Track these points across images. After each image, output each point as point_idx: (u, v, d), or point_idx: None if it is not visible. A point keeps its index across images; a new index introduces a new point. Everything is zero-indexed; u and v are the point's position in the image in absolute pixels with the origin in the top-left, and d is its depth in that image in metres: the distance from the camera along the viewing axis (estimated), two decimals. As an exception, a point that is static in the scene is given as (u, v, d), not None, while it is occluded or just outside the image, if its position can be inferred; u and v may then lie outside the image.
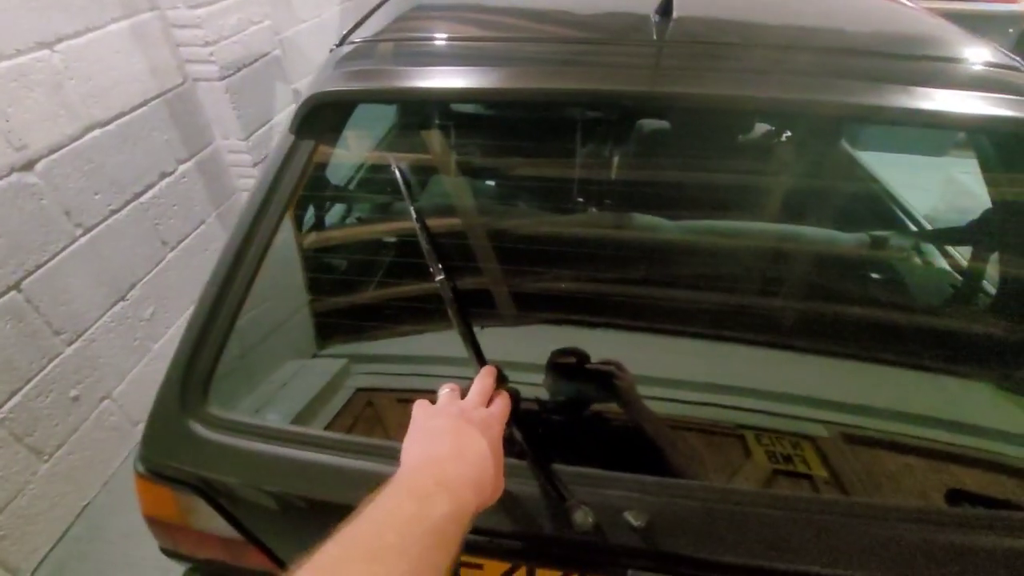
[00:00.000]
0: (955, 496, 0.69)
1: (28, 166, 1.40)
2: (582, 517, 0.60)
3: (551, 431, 0.74)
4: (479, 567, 0.71)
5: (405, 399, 0.85)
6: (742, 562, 0.60)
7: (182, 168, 1.94)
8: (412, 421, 0.55)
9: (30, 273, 1.42)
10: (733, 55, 0.80)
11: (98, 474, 1.68)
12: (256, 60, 2.10)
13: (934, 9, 3.29)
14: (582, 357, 0.75)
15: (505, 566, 0.69)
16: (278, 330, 0.82)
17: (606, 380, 0.74)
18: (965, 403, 0.80)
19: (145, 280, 1.80)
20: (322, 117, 0.79)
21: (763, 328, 0.85)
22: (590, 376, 0.74)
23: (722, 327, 0.84)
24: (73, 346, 1.55)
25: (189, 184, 1.97)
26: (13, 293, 1.38)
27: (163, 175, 1.86)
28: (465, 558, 0.71)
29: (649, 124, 1.24)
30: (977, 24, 3.13)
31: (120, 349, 1.72)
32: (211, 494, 0.71)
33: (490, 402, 0.60)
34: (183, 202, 1.95)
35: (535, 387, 0.75)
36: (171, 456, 0.70)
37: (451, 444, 0.50)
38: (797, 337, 0.82)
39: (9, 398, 1.38)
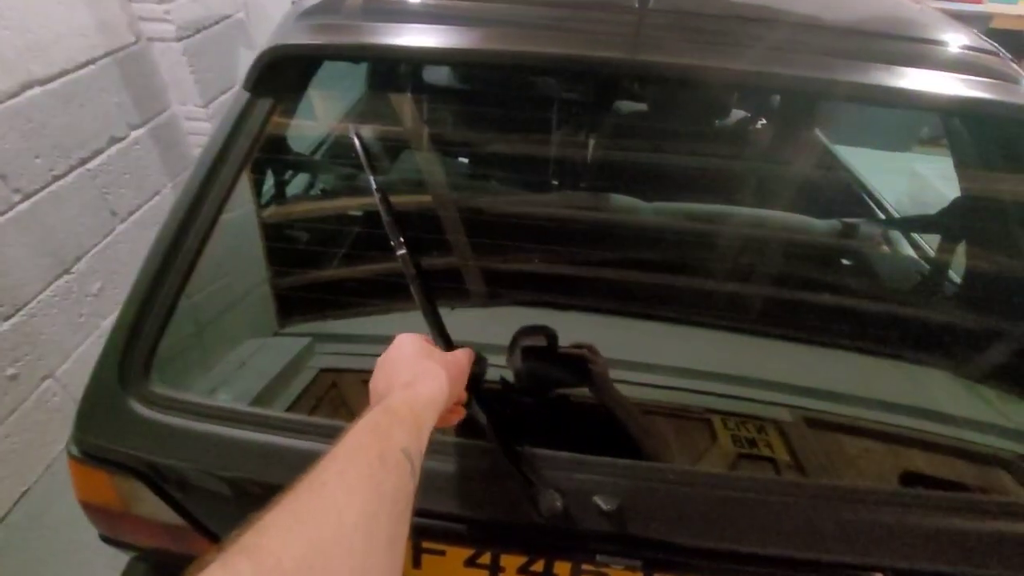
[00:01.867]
0: (910, 479, 0.70)
1: (-45, 123, 1.28)
2: (550, 501, 0.58)
3: (519, 414, 0.71)
4: (441, 553, 0.68)
5: (367, 379, 0.81)
6: (711, 546, 0.59)
7: (135, 134, 1.81)
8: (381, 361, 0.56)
9: (-41, 241, 1.31)
10: (712, 27, 0.77)
11: (39, 458, 1.58)
12: (217, 22, 1.97)
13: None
14: (552, 338, 0.72)
15: (468, 552, 0.66)
16: (229, 305, 0.76)
17: (578, 363, 0.71)
18: (925, 388, 0.81)
19: (92, 252, 1.69)
20: (281, 73, 0.73)
21: (730, 311, 0.85)
22: (561, 359, 0.72)
23: (690, 310, 0.83)
24: (10, 321, 1.44)
25: (142, 152, 1.85)
26: (-60, 262, 1.27)
27: (113, 140, 1.73)
28: (427, 544, 0.68)
29: (626, 103, 1.22)
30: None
31: (64, 325, 1.61)
32: (153, 478, 0.66)
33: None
34: (135, 171, 1.83)
35: (503, 369, 0.72)
36: (109, 437, 0.65)
37: (408, 371, 0.51)
38: (763, 321, 0.81)
39: (-64, 376, 1.28)
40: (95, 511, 0.72)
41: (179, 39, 1.81)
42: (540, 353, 0.72)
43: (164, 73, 1.88)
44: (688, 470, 0.63)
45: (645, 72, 0.77)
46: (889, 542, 0.59)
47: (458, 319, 0.74)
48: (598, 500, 0.59)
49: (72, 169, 1.59)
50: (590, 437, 0.69)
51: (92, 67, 1.63)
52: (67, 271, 1.61)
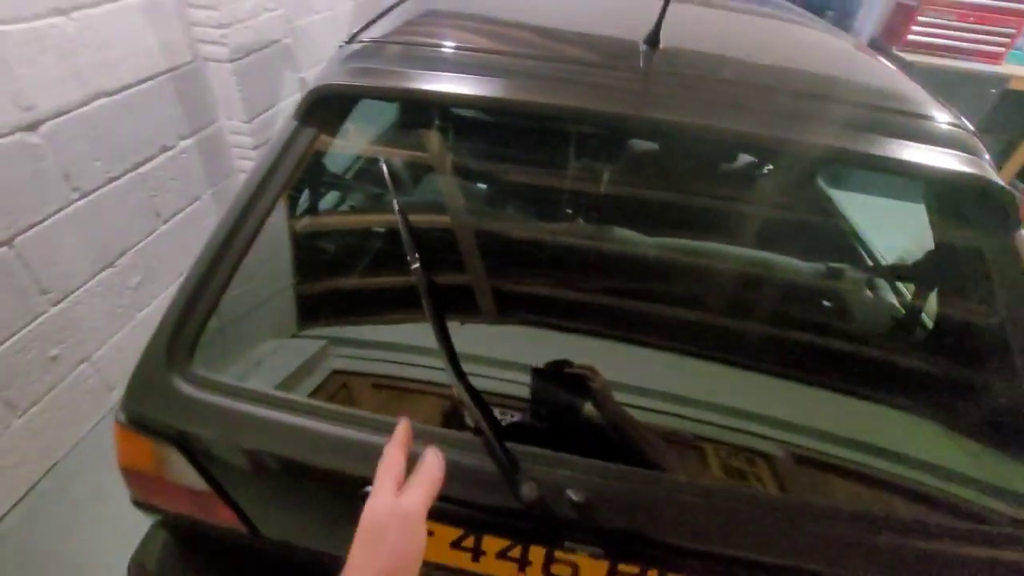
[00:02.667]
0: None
1: (33, 127, 1.44)
2: (528, 489, 0.66)
3: (513, 420, 0.80)
4: (430, 534, 0.76)
5: (379, 384, 0.90)
6: (668, 540, 0.67)
7: (183, 144, 1.98)
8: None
9: (23, 231, 1.45)
10: (708, 87, 0.87)
11: (70, 435, 1.70)
12: (266, 46, 2.15)
13: (922, 64, 3.43)
14: (561, 364, 0.80)
15: (455, 533, 0.75)
16: (265, 305, 0.87)
17: (582, 384, 0.79)
18: (882, 425, 0.88)
19: (135, 249, 1.84)
20: (325, 108, 0.85)
21: (713, 341, 0.93)
22: (567, 381, 0.79)
23: (675, 336, 0.91)
24: (58, 306, 1.58)
25: (189, 160, 2.01)
26: (5, 249, 1.41)
27: (164, 149, 1.90)
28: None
29: (630, 145, 1.32)
30: (961, 82, 3.29)
31: (104, 314, 1.75)
32: (187, 447, 0.76)
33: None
34: (181, 177, 1.99)
35: (503, 382, 0.81)
36: (153, 408, 0.75)
37: (387, 555, 0.48)
38: (740, 351, 0.89)
39: (-10, 351, 1.41)
40: (133, 474, 0.82)
41: (231, 60, 1.98)
42: (551, 377, 0.80)
43: (215, 90, 2.05)
44: (650, 474, 0.71)
45: (643, 126, 0.87)
46: (830, 555, 0.66)
47: (463, 332, 0.83)
48: (570, 493, 0.68)
49: (126, 172, 1.75)
50: (579, 442, 0.77)
51: (152, 82, 1.80)
52: (111, 265, 1.75)
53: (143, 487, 0.84)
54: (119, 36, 1.65)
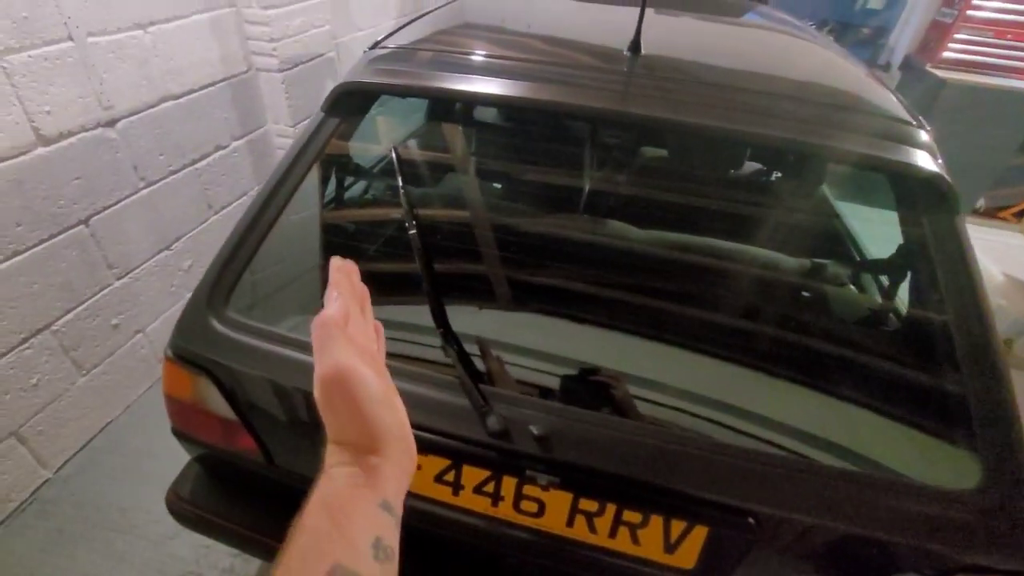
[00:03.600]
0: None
1: (111, 123, 1.67)
2: (495, 421, 0.77)
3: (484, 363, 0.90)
4: (417, 467, 0.88)
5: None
6: (615, 471, 0.76)
7: (235, 144, 2.21)
8: None
9: (97, 212, 1.67)
10: (683, 88, 0.98)
11: (123, 397, 1.91)
12: (313, 59, 2.37)
13: (957, 81, 3.38)
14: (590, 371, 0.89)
15: (440, 464, 0.86)
16: (291, 264, 1.02)
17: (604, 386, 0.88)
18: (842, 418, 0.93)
19: (189, 235, 2.06)
20: (348, 101, 1.01)
21: (703, 333, 1.00)
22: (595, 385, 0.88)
23: (666, 330, 1.00)
24: (121, 281, 1.80)
25: (239, 159, 2.24)
26: (81, 227, 1.63)
27: (218, 147, 2.12)
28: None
29: (622, 142, 1.43)
30: (1001, 100, 3.23)
31: (158, 291, 1.97)
32: (219, 379, 0.90)
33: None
34: (231, 173, 2.21)
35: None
36: (194, 343, 0.90)
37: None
38: (731, 344, 0.97)
39: (64, 315, 1.63)
40: (174, 402, 0.98)
41: (280, 71, 2.21)
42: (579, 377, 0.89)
43: (265, 97, 2.28)
44: (603, 416, 0.81)
45: (625, 120, 0.97)
46: (758, 491, 0.74)
47: (465, 314, 0.95)
48: (532, 428, 0.78)
49: (184, 167, 1.98)
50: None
51: (212, 88, 2.03)
52: (167, 248, 1.98)
53: (181, 415, 0.99)
54: (187, 47, 1.89)
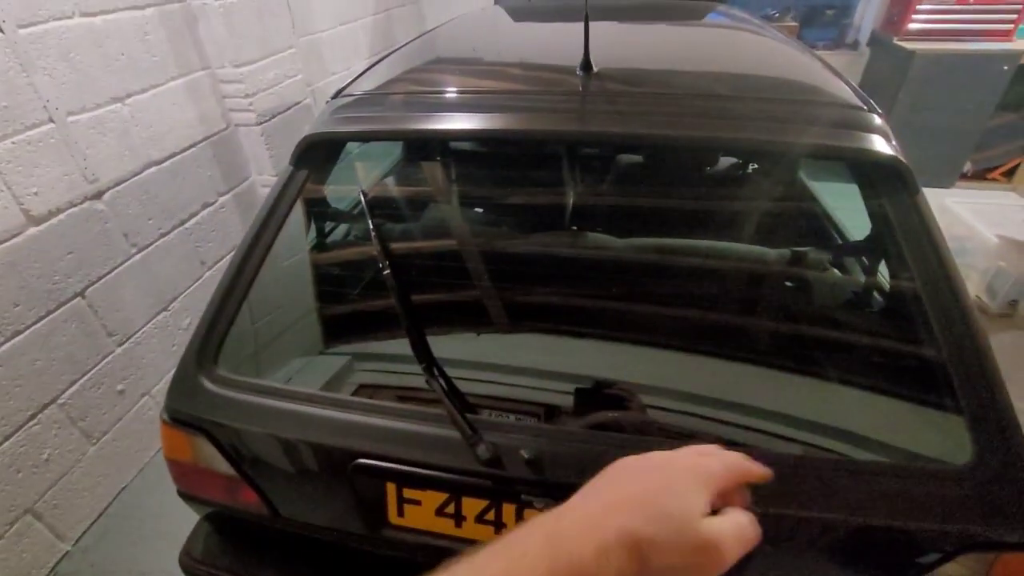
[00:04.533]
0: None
1: (97, 196, 1.72)
2: (484, 450, 0.78)
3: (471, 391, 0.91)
4: (418, 503, 0.89)
5: (373, 386, 1.04)
6: None
7: (222, 199, 2.26)
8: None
9: (92, 283, 1.71)
10: (636, 101, 1.00)
11: (135, 461, 1.93)
12: (289, 108, 2.43)
13: (927, 51, 3.42)
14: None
15: (439, 499, 0.86)
16: (275, 318, 1.04)
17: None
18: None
19: (185, 294, 2.09)
20: (315, 152, 1.04)
21: (684, 333, 1.02)
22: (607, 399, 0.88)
23: (642, 331, 1.01)
24: (123, 347, 1.83)
25: (227, 213, 2.29)
26: (78, 299, 1.67)
27: (205, 205, 2.17)
28: (408, 493, 0.88)
29: (587, 157, 1.46)
30: (970, 64, 3.25)
31: (160, 352, 2.00)
32: (215, 437, 0.92)
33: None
34: (221, 228, 2.26)
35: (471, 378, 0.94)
36: (186, 405, 0.92)
37: (608, 491, 0.37)
38: (714, 342, 0.98)
39: (69, 387, 1.65)
40: (175, 465, 0.99)
41: (258, 123, 2.27)
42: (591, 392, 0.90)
43: (246, 150, 2.33)
44: (595, 433, 0.81)
45: (581, 140, 1.00)
46: (755, 491, 0.74)
47: (458, 342, 0.97)
48: (523, 452, 0.79)
49: (174, 228, 2.02)
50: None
51: (193, 149, 2.09)
52: (165, 308, 2.01)
53: (183, 476, 1.01)
54: (165, 113, 1.95)
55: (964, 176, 3.81)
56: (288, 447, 0.89)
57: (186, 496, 1.04)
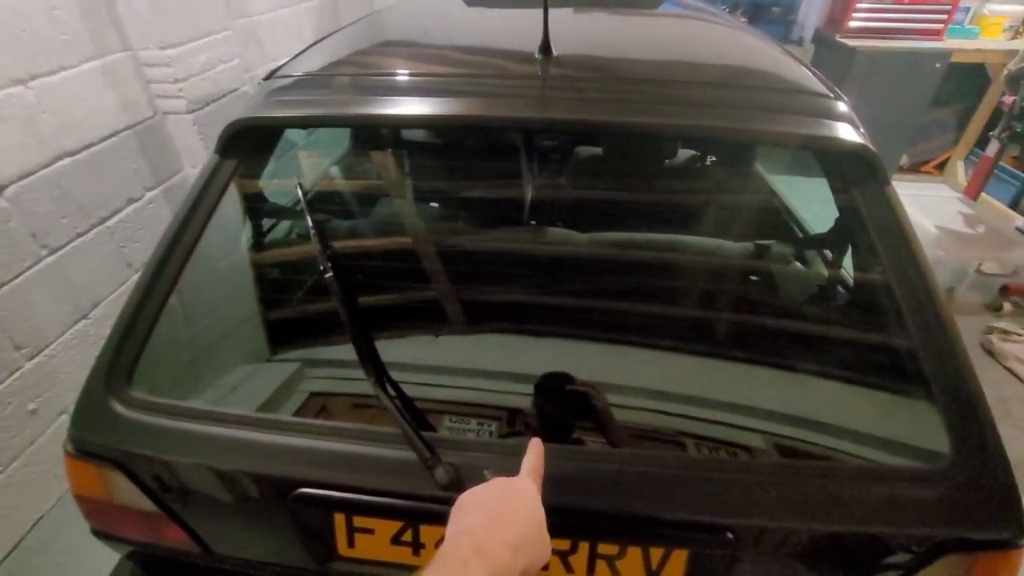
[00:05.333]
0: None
1: (-3, 191, 1.51)
2: (442, 473, 0.70)
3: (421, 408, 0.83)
4: (371, 531, 0.80)
5: (317, 404, 0.94)
6: (571, 504, 0.70)
7: (150, 195, 2.05)
8: (454, 506, 0.57)
9: (-6, 291, 1.51)
10: (597, 87, 0.94)
11: (53, 488, 1.73)
12: (225, 95, 2.24)
13: (867, 48, 3.56)
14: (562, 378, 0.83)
15: (394, 527, 0.78)
16: (200, 329, 0.92)
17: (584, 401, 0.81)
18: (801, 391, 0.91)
19: (108, 299, 1.89)
20: (244, 140, 0.92)
21: (653, 328, 0.97)
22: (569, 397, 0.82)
23: (600, 327, 0.96)
24: (34, 361, 1.63)
25: (156, 210, 2.09)
26: (-24, 309, 1.47)
27: (130, 201, 1.97)
28: (358, 521, 0.79)
29: (536, 146, 1.39)
30: (908, 62, 3.40)
31: (81, 365, 1.79)
32: (131, 469, 0.79)
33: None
34: (149, 226, 2.06)
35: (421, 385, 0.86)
36: (95, 434, 0.79)
37: (485, 513, 0.52)
38: (673, 337, 0.93)
39: (-33, 409, 1.45)
40: (86, 503, 0.86)
41: (190, 111, 2.07)
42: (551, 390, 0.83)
43: (177, 141, 2.13)
44: (562, 448, 0.75)
45: (538, 127, 0.93)
46: (732, 504, 0.70)
47: (409, 347, 0.88)
48: (486, 473, 0.71)
49: (93, 227, 1.82)
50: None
51: (114, 139, 1.88)
52: (85, 316, 1.81)
53: (97, 514, 0.87)
54: (78, 99, 1.74)
55: (901, 169, 4.00)
56: (218, 477, 0.78)
57: (102, 535, 0.91)
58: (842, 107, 0.91)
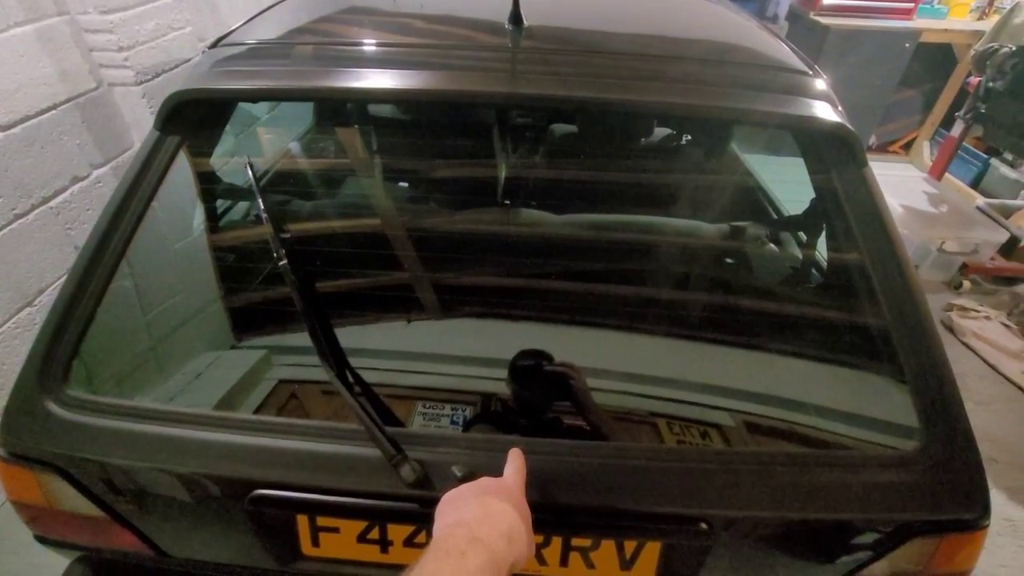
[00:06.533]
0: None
1: (-81, 169, 1.38)
2: (408, 471, 0.67)
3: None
4: (336, 530, 0.76)
5: (284, 380, 0.88)
6: (542, 500, 0.68)
7: (97, 173, 1.92)
8: (441, 500, 0.58)
9: (-78, 278, 1.39)
10: (570, 60, 0.89)
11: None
12: (177, 66, 2.10)
13: (840, 27, 3.57)
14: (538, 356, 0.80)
15: (359, 527, 0.74)
16: (143, 323, 0.85)
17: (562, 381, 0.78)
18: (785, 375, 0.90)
19: (55, 285, 1.77)
20: (189, 114, 0.84)
21: (629, 311, 0.94)
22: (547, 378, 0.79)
23: (575, 311, 0.93)
24: (-28, 353, 1.52)
25: (105, 189, 1.95)
26: (-98, 298, 1.35)
27: (76, 179, 1.84)
28: (322, 521, 0.75)
29: (508, 122, 1.34)
30: (878, 40, 3.41)
31: (25, 355, 1.68)
32: (71, 472, 0.74)
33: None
34: (97, 207, 1.92)
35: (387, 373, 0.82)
36: (29, 437, 0.73)
37: (477, 506, 0.54)
38: (639, 317, 0.91)
39: (-102, 406, 1.34)
40: (25, 509, 0.80)
41: (139, 83, 1.93)
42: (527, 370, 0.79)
43: (126, 114, 1.99)
44: (531, 441, 0.72)
45: (509, 102, 0.87)
46: (706, 493, 0.68)
47: (373, 336, 0.84)
48: (455, 469, 0.68)
49: (34, 208, 1.69)
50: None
51: (54, 112, 1.74)
52: (29, 304, 1.69)
53: (38, 521, 0.81)
54: (9, 68, 1.59)
55: (869, 149, 4.06)
56: (167, 481, 0.73)
57: (47, 542, 0.85)
58: (821, 84, 0.88)
